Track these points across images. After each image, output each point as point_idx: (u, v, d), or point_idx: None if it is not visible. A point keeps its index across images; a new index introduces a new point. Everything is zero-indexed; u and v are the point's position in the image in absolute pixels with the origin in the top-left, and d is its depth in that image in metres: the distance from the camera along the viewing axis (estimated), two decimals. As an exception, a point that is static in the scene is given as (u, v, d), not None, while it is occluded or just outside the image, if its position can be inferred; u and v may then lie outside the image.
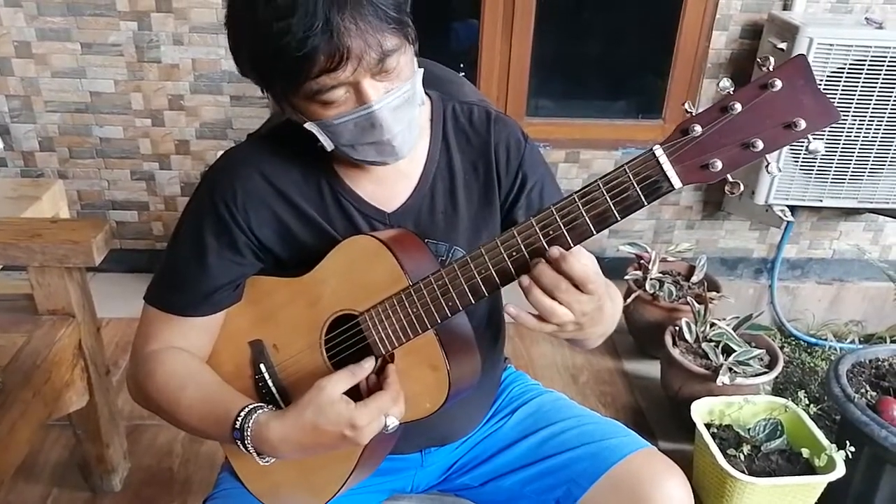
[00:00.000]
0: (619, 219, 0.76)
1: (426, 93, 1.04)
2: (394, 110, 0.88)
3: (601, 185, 0.75)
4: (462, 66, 2.48)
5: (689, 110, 0.73)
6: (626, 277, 2.35)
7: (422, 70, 0.92)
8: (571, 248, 0.78)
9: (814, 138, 0.70)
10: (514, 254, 0.80)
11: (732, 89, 0.71)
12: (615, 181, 0.75)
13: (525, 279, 0.79)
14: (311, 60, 0.80)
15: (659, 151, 0.73)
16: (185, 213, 1.01)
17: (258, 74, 0.88)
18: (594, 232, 0.77)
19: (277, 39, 0.80)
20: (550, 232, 0.78)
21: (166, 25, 2.32)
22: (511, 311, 0.81)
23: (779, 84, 0.69)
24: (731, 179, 0.73)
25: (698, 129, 0.71)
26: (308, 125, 0.90)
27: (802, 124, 0.69)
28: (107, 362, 1.72)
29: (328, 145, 0.92)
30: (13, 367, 1.42)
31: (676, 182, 0.72)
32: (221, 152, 1.02)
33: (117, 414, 1.78)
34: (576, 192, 0.77)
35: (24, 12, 2.27)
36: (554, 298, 0.78)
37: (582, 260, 0.78)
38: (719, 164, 0.71)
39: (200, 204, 0.99)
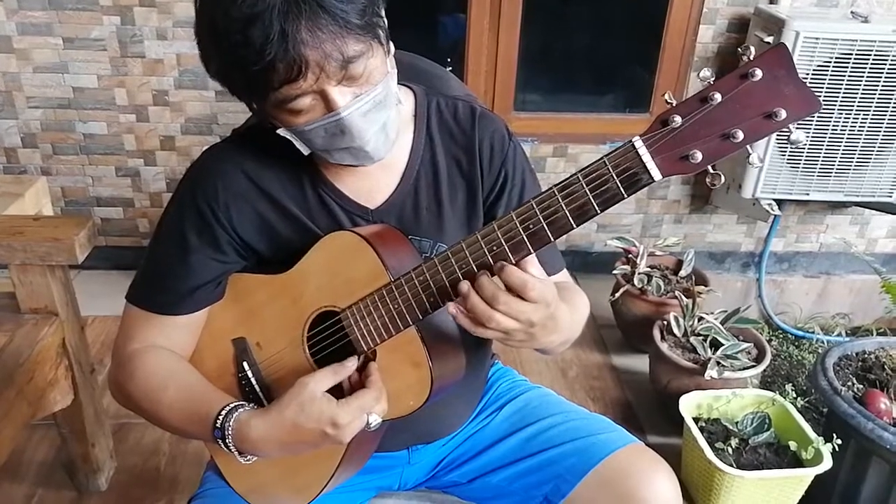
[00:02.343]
0: (598, 212, 0.75)
1: (410, 87, 1.03)
2: (364, 115, 0.86)
3: (581, 178, 0.74)
4: (449, 60, 2.47)
5: (669, 101, 0.72)
6: (614, 272, 2.35)
7: (395, 70, 0.91)
8: (552, 241, 0.78)
9: (796, 128, 0.69)
10: (494, 248, 0.79)
11: (713, 79, 0.70)
12: (595, 173, 0.74)
13: (464, 285, 0.80)
14: (270, 72, 0.79)
15: (638, 143, 0.72)
16: (167, 212, 1.00)
17: (225, 85, 0.88)
18: (574, 225, 0.76)
19: (235, 51, 0.79)
20: (530, 226, 0.77)
21: (150, 20, 2.30)
22: (451, 310, 0.81)
23: (759, 74, 0.68)
24: (711, 171, 0.72)
25: (678, 119, 0.70)
26: (281, 131, 0.90)
27: (783, 114, 0.68)
28: (92, 361, 1.70)
29: (304, 150, 0.92)
30: (-5, 366, 1.40)
31: (656, 174, 0.72)
32: (206, 148, 1.01)
33: (103, 413, 1.76)
34: (556, 185, 0.76)
35: (3, 6, 2.25)
36: (494, 308, 0.79)
37: (528, 270, 0.79)
38: (699, 156, 0.70)
39: (182, 202, 0.98)
